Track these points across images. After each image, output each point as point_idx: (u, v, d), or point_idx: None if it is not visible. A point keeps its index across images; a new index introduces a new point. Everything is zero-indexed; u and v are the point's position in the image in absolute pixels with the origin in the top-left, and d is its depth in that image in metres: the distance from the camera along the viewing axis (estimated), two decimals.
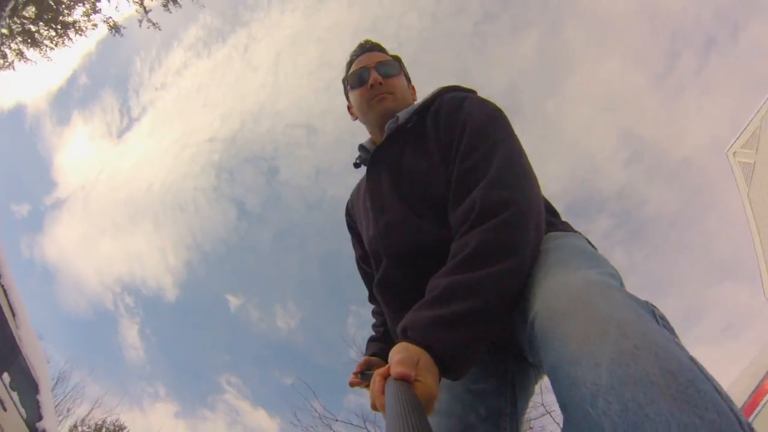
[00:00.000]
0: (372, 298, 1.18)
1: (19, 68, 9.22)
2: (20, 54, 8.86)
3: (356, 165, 1.15)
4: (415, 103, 1.09)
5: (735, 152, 8.60)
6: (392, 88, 1.05)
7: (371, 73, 1.05)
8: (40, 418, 4.15)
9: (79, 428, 12.39)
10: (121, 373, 19.50)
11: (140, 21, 9.31)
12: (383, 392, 0.58)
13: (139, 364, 19.98)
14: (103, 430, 13.26)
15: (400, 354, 0.60)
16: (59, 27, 8.83)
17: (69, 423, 12.44)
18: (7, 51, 8.71)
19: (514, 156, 0.83)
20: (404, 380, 0.56)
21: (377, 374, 0.61)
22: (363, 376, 0.93)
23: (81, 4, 8.71)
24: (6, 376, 3.96)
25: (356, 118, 1.14)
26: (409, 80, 1.16)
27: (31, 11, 8.24)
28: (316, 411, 7.08)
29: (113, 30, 9.10)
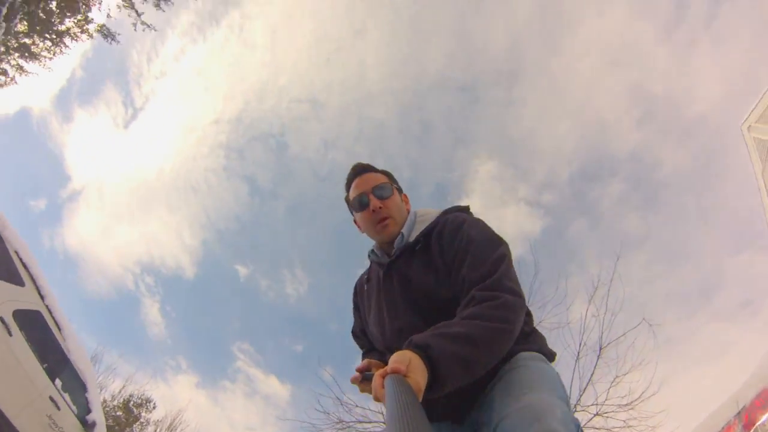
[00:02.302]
0: (364, 356, 1.39)
1: (20, 80, 9.30)
2: (20, 68, 8.92)
3: (367, 280, 1.37)
4: (416, 216, 1.30)
5: (749, 126, 8.27)
6: (390, 211, 1.26)
7: (371, 199, 1.25)
8: (89, 411, 4.70)
9: (110, 404, 13.46)
10: (146, 348, 20.83)
11: (134, 24, 9.27)
12: (383, 387, 0.73)
13: (161, 339, 21.28)
14: (131, 403, 14.38)
15: (396, 357, 0.79)
16: (54, 36, 8.78)
17: (101, 399, 13.42)
18: (7, 67, 8.75)
19: (505, 270, 1.04)
20: (397, 373, 0.74)
21: (377, 375, 0.79)
22: (365, 377, 1.04)
23: (71, 17, 8.62)
24: (58, 381, 4.48)
25: (363, 232, 1.34)
26: (400, 191, 1.36)
27: (23, 26, 8.20)
28: (339, 399, 7.43)
29: (108, 38, 9.04)
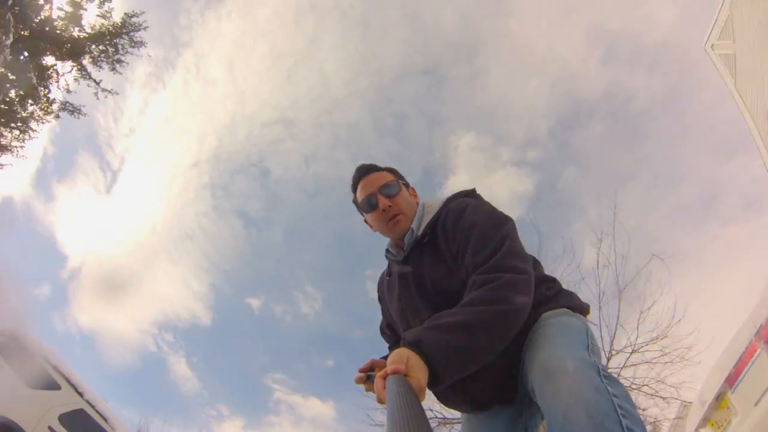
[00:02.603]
0: (390, 350, 1.40)
1: None
2: None
3: (388, 275, 1.35)
4: (424, 208, 1.28)
5: (713, 45, 8.40)
6: (400, 207, 1.23)
7: (379, 199, 1.23)
8: None
9: None
10: (184, 406, 20.64)
11: (95, 94, 9.29)
12: (385, 388, 0.74)
13: (197, 392, 21.05)
14: None
15: (393, 357, 0.80)
16: (20, 124, 8.71)
17: None
18: None
19: (507, 249, 1.03)
20: (397, 373, 0.74)
21: (379, 376, 0.79)
22: (368, 378, 1.04)
23: (32, 104, 8.56)
24: None
25: (376, 231, 1.32)
26: (407, 185, 1.34)
27: None
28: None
29: (75, 113, 9.07)
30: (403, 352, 0.80)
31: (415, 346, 0.82)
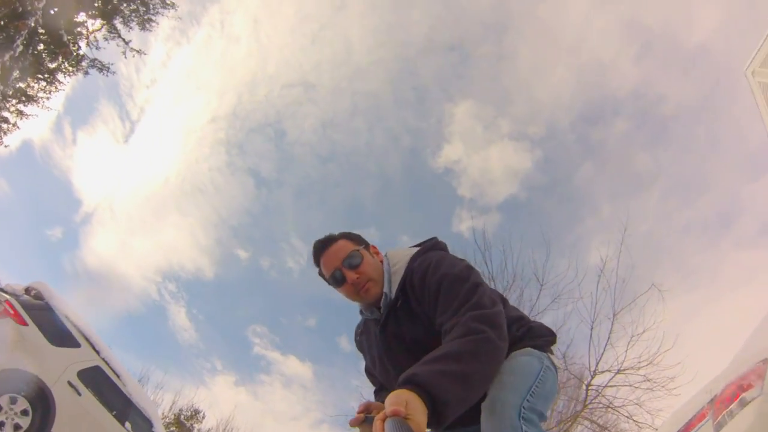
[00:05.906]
0: (376, 393, 1.46)
1: (21, 124, 9.44)
2: (20, 113, 9.03)
3: (365, 332, 1.41)
4: (390, 266, 1.31)
5: (753, 71, 8.09)
6: (367, 275, 1.26)
7: (345, 274, 1.26)
8: None
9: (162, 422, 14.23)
10: (180, 355, 21.46)
11: (124, 53, 9.45)
12: (383, 430, 0.74)
13: (193, 343, 21.92)
14: (181, 416, 15.21)
15: (391, 398, 0.79)
16: (47, 75, 8.87)
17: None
18: (8, 114, 8.87)
19: (477, 297, 1.07)
20: (397, 415, 0.74)
21: (377, 419, 0.77)
22: (366, 420, 1.04)
23: (63, 60, 8.65)
24: (128, 423, 4.92)
25: (347, 298, 1.34)
26: (367, 246, 1.37)
27: (16, 73, 8.27)
28: None
29: (103, 71, 9.19)
30: (402, 394, 0.80)
31: (410, 381, 0.83)
